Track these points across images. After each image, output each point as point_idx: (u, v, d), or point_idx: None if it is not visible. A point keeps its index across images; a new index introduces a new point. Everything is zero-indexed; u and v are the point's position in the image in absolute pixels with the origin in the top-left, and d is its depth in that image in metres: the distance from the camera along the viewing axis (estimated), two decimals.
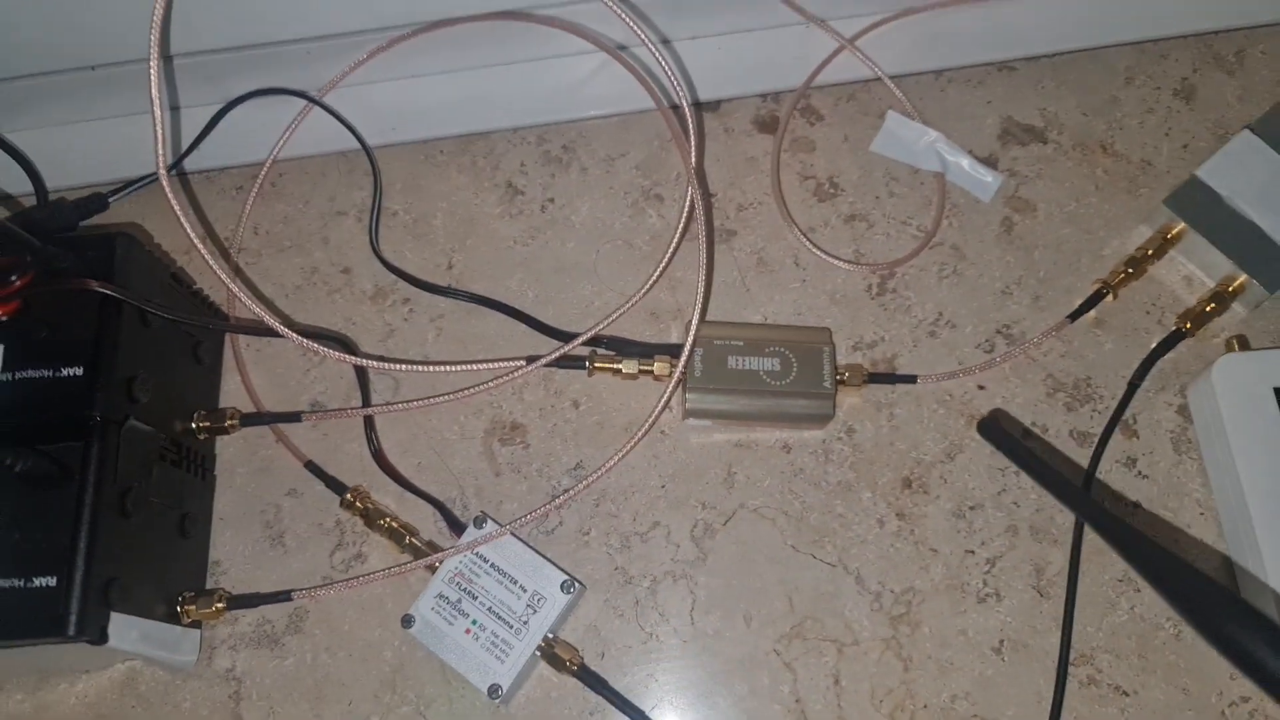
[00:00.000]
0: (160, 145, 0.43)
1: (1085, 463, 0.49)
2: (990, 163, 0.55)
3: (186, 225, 0.43)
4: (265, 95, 0.56)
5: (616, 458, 0.47)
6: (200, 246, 0.44)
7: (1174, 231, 0.52)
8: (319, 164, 0.57)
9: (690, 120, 0.48)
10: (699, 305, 0.47)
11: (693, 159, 0.49)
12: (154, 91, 0.41)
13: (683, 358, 0.47)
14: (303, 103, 0.57)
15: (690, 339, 0.47)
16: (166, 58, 0.53)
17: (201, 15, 0.49)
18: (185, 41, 0.51)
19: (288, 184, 0.57)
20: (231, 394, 0.52)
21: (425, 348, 0.53)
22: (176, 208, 0.43)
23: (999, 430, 0.46)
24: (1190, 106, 0.56)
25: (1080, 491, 0.42)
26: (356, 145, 0.56)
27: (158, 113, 0.42)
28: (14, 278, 0.42)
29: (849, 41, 0.57)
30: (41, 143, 0.56)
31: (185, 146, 0.56)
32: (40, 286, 0.43)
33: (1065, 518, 0.48)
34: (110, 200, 0.55)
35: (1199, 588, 0.36)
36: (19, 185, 0.56)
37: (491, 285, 0.54)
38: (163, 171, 0.43)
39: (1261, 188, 0.51)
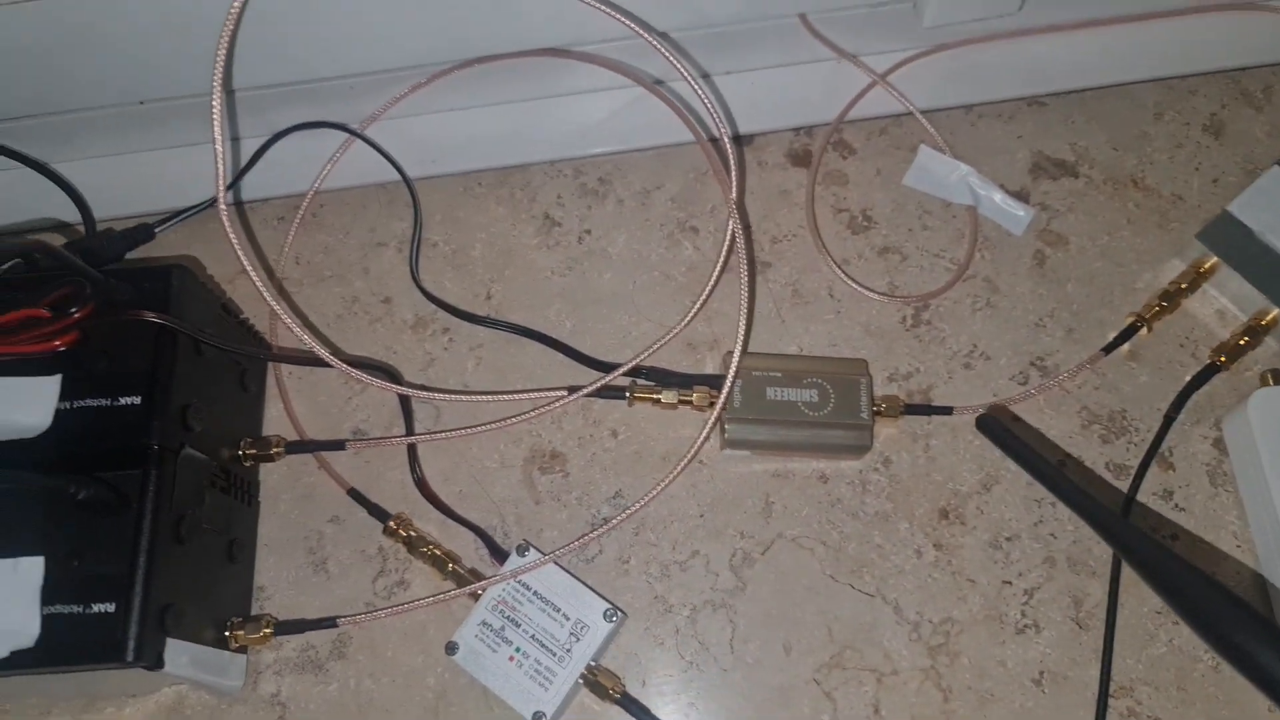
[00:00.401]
0: (221, 182, 0.44)
1: (1122, 495, 0.49)
2: (1021, 196, 0.56)
3: (243, 258, 0.44)
4: (308, 129, 0.57)
5: (658, 488, 0.48)
6: (255, 279, 0.45)
7: (1207, 265, 0.52)
8: (359, 195, 0.58)
9: (730, 154, 0.49)
10: (741, 338, 0.48)
11: (733, 193, 0.49)
12: (216, 131, 0.42)
13: (724, 389, 0.48)
14: (344, 135, 0.58)
15: (732, 371, 0.48)
16: (206, 95, 0.54)
17: (249, 53, 0.51)
18: (233, 78, 0.53)
19: (328, 215, 0.58)
20: (274, 421, 0.53)
21: (465, 377, 0.54)
22: (234, 241, 0.44)
23: (999, 426, 0.47)
24: (1219, 142, 0.57)
25: (1082, 491, 0.43)
26: (397, 177, 0.58)
27: (219, 149, 0.43)
28: (74, 309, 0.43)
29: (881, 77, 0.58)
30: (88, 173, 0.58)
31: (229, 178, 0.57)
32: (99, 318, 0.44)
33: (1103, 549, 0.48)
34: (156, 231, 0.56)
35: (1208, 596, 0.37)
36: (68, 215, 0.57)
37: (530, 315, 0.55)
38: (223, 207, 0.44)
39: None
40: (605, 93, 0.58)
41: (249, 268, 0.45)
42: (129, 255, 0.55)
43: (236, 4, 0.43)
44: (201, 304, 0.48)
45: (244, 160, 0.57)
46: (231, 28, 0.43)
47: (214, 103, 0.42)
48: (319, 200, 0.58)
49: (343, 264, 0.56)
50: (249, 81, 0.53)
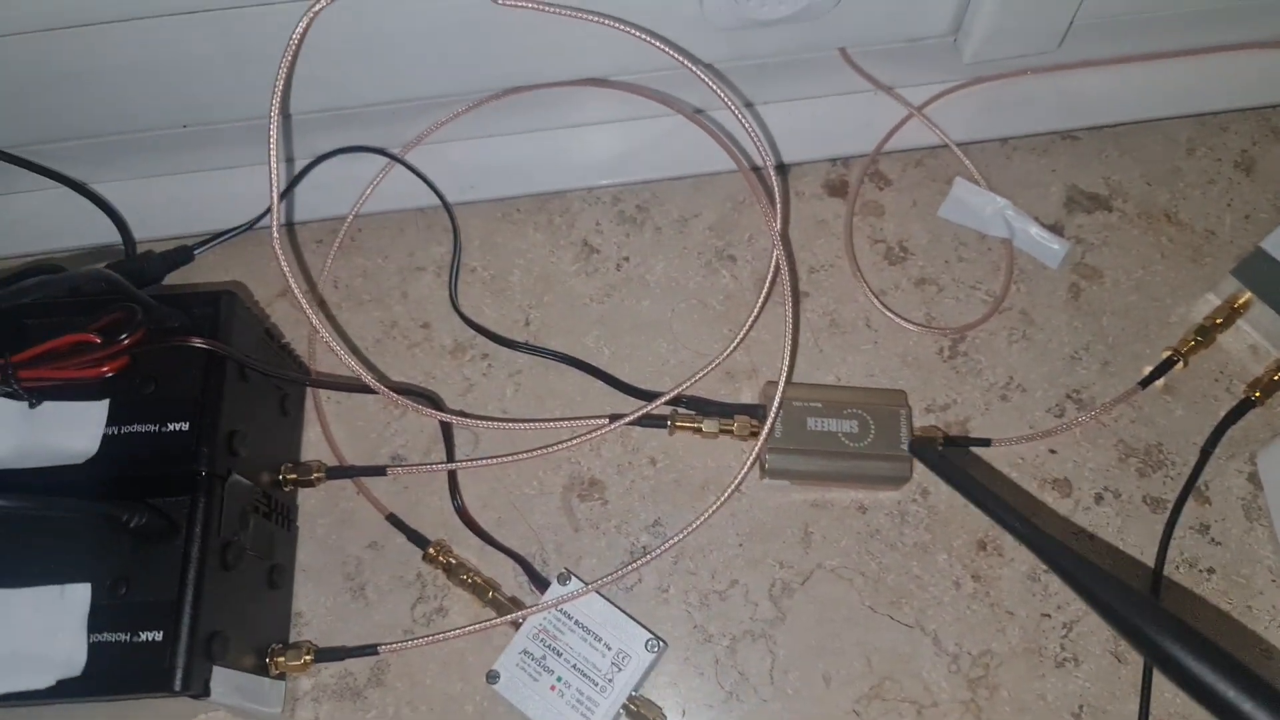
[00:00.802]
0: (276, 217, 0.44)
1: (1159, 528, 0.50)
2: (1056, 230, 0.57)
3: (294, 285, 0.44)
4: (349, 153, 0.58)
5: (700, 520, 0.48)
6: (306, 308, 0.45)
7: (1241, 301, 0.53)
8: (398, 219, 0.58)
9: (775, 184, 0.49)
10: (785, 369, 0.48)
11: (778, 224, 0.50)
12: (272, 161, 0.43)
13: (768, 421, 0.48)
14: (384, 160, 0.58)
15: (776, 403, 0.48)
16: (254, 119, 0.55)
17: (295, 79, 0.51)
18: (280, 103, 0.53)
19: (367, 238, 0.58)
20: (311, 445, 0.53)
21: (504, 402, 0.54)
22: (286, 270, 0.44)
23: (931, 450, 0.48)
24: (1251, 178, 0.58)
25: (1010, 509, 0.43)
26: (436, 202, 0.58)
27: (274, 180, 0.43)
28: (124, 335, 0.43)
29: (917, 109, 0.59)
30: (126, 194, 0.58)
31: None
32: (149, 343, 0.44)
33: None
34: (195, 253, 0.56)
35: (1120, 595, 0.37)
36: (106, 235, 0.57)
37: (568, 342, 0.55)
38: (275, 236, 0.44)
39: None
40: (644, 121, 0.59)
41: (299, 295, 0.45)
42: (167, 278, 0.55)
43: (298, 31, 0.43)
44: (248, 329, 0.48)
45: (284, 183, 0.58)
46: (290, 58, 0.43)
47: (270, 131, 0.42)
48: (358, 224, 0.58)
49: (381, 288, 0.57)
50: (294, 107, 0.54)
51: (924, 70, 0.58)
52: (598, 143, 0.59)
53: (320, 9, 0.43)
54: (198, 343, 0.44)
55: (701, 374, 0.51)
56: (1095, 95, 0.59)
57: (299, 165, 0.58)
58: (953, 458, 0.50)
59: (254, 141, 0.55)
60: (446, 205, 0.58)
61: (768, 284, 0.50)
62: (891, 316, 0.55)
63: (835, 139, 0.59)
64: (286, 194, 0.57)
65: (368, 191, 0.58)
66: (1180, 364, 0.52)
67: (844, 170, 0.59)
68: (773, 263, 0.50)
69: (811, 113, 0.59)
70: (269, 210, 0.57)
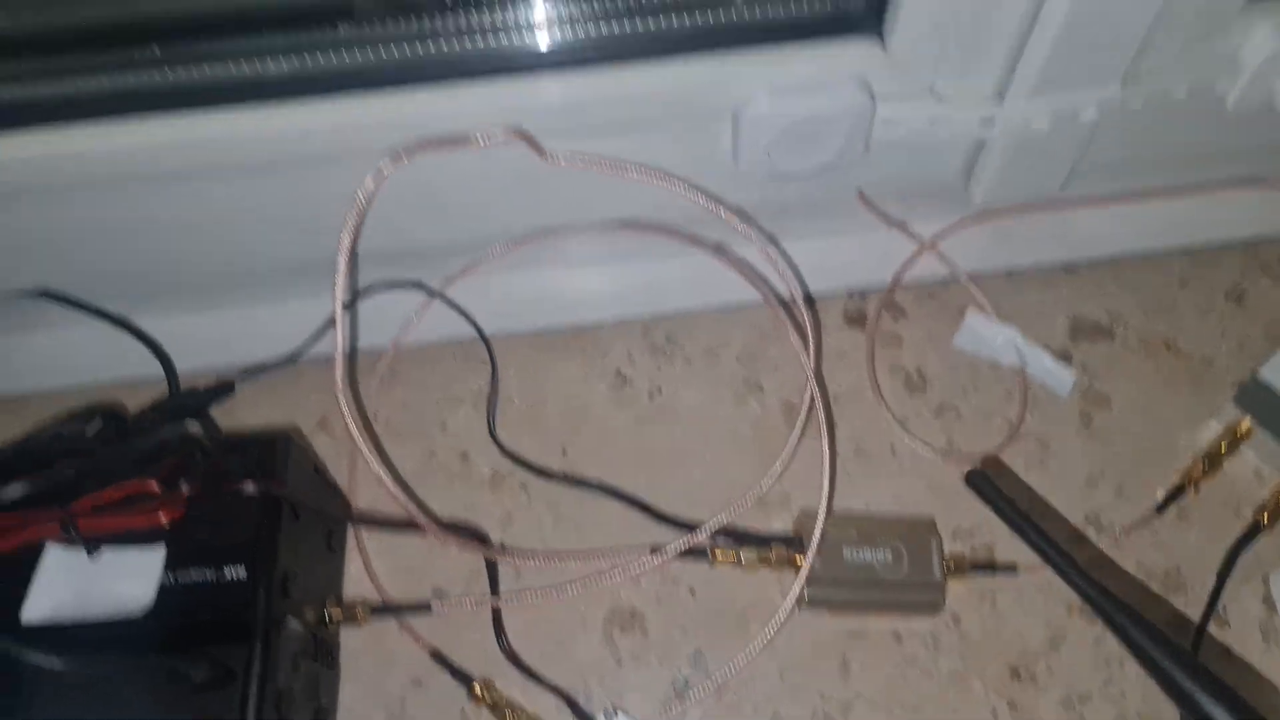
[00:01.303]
0: (340, 372, 0.45)
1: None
2: (1064, 358, 0.60)
3: (350, 423, 0.46)
4: (390, 289, 0.59)
5: (746, 660, 0.49)
6: (361, 445, 0.46)
7: (1243, 428, 0.56)
8: (436, 351, 0.60)
9: (805, 319, 0.52)
10: (824, 507, 0.50)
11: (811, 359, 0.52)
12: (338, 318, 0.44)
13: (809, 555, 0.50)
14: (423, 294, 0.60)
15: (817, 538, 0.50)
16: (303, 263, 0.57)
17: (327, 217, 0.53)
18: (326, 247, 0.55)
19: (406, 370, 0.59)
20: (353, 578, 0.54)
21: (543, 533, 0.55)
22: (345, 409, 0.45)
23: (989, 484, 0.49)
24: (1242, 309, 0.61)
25: (1069, 558, 0.45)
26: (474, 334, 0.60)
27: (340, 339, 0.45)
28: (184, 484, 0.44)
29: (928, 244, 0.62)
30: (168, 328, 0.59)
31: (309, 334, 0.59)
32: (208, 490, 0.45)
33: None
34: (235, 387, 0.57)
35: (1179, 661, 0.39)
36: (147, 368, 0.58)
37: (604, 471, 0.56)
38: (340, 388, 0.45)
39: None
40: (673, 255, 0.61)
41: (354, 432, 0.46)
42: (217, 413, 0.56)
43: (363, 194, 0.45)
44: (301, 469, 0.49)
45: (323, 316, 0.59)
46: (355, 221, 0.45)
47: (336, 290, 0.44)
48: (397, 356, 0.60)
49: (421, 420, 0.58)
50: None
51: (935, 207, 0.62)
52: (629, 276, 0.61)
53: (389, 174, 0.45)
54: (255, 490, 0.45)
55: (739, 507, 0.52)
56: (1094, 231, 0.63)
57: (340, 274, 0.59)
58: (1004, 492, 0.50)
59: (297, 278, 0.57)
60: (484, 338, 0.60)
61: (803, 417, 0.52)
62: (916, 444, 0.57)
63: (852, 272, 0.62)
64: (323, 332, 0.59)
65: (407, 326, 0.59)
66: (1191, 490, 0.55)
67: (862, 302, 0.62)
68: (806, 396, 0.52)
69: (829, 248, 0.62)
70: (308, 344, 0.59)
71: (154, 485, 0.44)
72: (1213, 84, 0.51)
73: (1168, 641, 0.41)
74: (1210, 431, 0.57)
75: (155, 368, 0.57)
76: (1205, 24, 0.48)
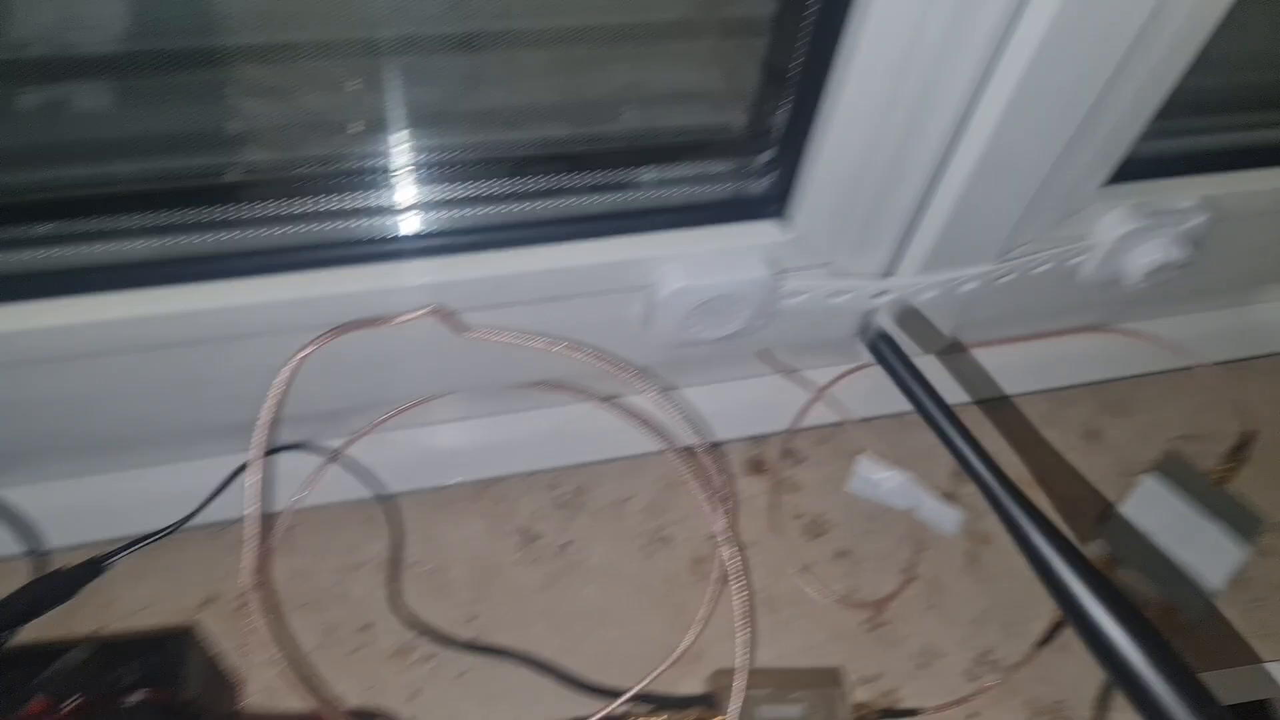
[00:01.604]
0: (251, 550, 0.43)
1: None
2: (950, 498, 0.63)
3: (254, 612, 0.43)
4: (285, 451, 0.57)
5: None
6: (262, 633, 0.44)
7: (1109, 559, 0.60)
8: (334, 514, 0.58)
9: (713, 472, 0.53)
10: (743, 667, 0.51)
11: (724, 520, 0.53)
12: (250, 506, 0.42)
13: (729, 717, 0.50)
14: (321, 456, 0.58)
15: (739, 703, 0.50)
16: (192, 430, 0.54)
17: (236, 389, 0.51)
18: (222, 415, 0.52)
19: (301, 536, 0.57)
20: None
21: (453, 707, 0.53)
22: (249, 601, 0.43)
23: (893, 350, 0.51)
24: (1098, 446, 0.67)
25: (963, 430, 0.48)
26: (373, 494, 0.58)
27: (251, 528, 0.43)
28: (64, 704, 0.40)
29: (822, 391, 0.65)
30: (31, 499, 0.54)
31: (200, 501, 0.55)
32: (99, 705, 0.41)
33: None
34: (104, 566, 0.53)
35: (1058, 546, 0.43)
36: (6, 547, 0.53)
37: (515, 635, 0.55)
38: (247, 566, 0.43)
39: (1171, 524, 0.61)
40: (578, 407, 0.62)
41: (255, 619, 0.43)
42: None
43: (282, 377, 0.43)
44: (198, 668, 0.45)
45: (216, 483, 0.56)
46: (274, 401, 0.43)
47: (250, 478, 0.42)
48: (295, 521, 0.57)
49: (319, 590, 0.55)
50: (243, 417, 0.53)
51: (828, 356, 0.65)
52: (533, 429, 0.61)
53: (306, 354, 0.44)
54: (145, 697, 0.41)
55: (657, 672, 0.52)
56: (970, 376, 0.68)
57: (231, 463, 0.56)
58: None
59: (187, 443, 0.54)
60: (384, 498, 0.58)
61: (717, 577, 0.53)
62: (818, 593, 0.59)
63: (752, 420, 0.64)
64: (217, 494, 0.56)
65: (303, 490, 0.57)
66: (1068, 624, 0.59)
67: (761, 448, 0.64)
68: (722, 558, 0.53)
69: (729, 396, 0.64)
70: (195, 511, 0.56)
71: (37, 706, 0.40)
72: (1072, 257, 0.57)
73: (1053, 530, 0.44)
74: None
75: (15, 545, 0.52)
76: (1066, 207, 0.54)
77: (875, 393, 0.66)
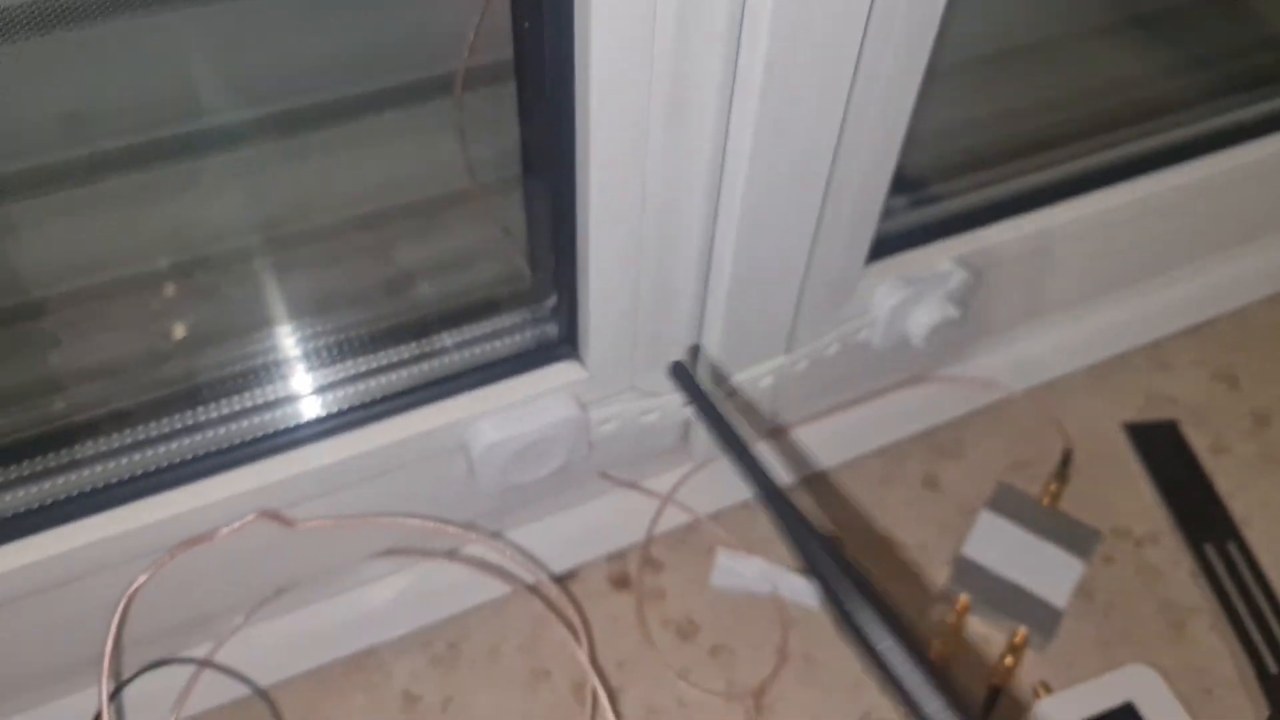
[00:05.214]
0: None
1: None
2: (806, 573, 0.67)
3: None
4: (154, 669, 0.58)
5: None
6: None
7: (963, 602, 0.64)
8: (217, 715, 0.58)
9: (569, 605, 0.56)
10: None
11: (584, 647, 0.56)
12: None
13: None
14: (192, 665, 0.58)
15: None
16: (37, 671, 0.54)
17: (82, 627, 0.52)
18: (75, 653, 0.53)
19: None
20: None
21: None
22: None
23: (687, 375, 0.52)
24: (937, 493, 0.72)
25: (751, 458, 0.48)
26: (250, 691, 0.59)
27: None
28: None
29: (668, 496, 0.68)
30: None
31: None
32: None
33: None
34: None
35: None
36: None
37: None
38: None
39: (1011, 553, 0.65)
40: (436, 567, 0.64)
41: None
42: None
43: (119, 610, 0.45)
44: None
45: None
46: (113, 633, 0.45)
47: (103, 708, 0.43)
48: None
49: None
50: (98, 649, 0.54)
51: (667, 463, 0.69)
52: (395, 593, 0.63)
53: (140, 585, 0.45)
54: None
55: None
56: (801, 449, 0.72)
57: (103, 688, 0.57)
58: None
59: (40, 684, 0.55)
60: (262, 693, 0.59)
61: (590, 707, 0.55)
62: (698, 693, 0.61)
63: (607, 538, 0.67)
64: None
65: (180, 701, 0.58)
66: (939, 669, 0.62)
67: (622, 563, 0.67)
68: (590, 690, 0.55)
69: (580, 520, 0.67)
70: None
71: None
72: (857, 334, 0.62)
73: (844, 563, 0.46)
74: (939, 612, 0.66)
75: None
76: (837, 293, 0.59)
77: (719, 487, 0.70)
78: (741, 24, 0.40)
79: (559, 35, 0.40)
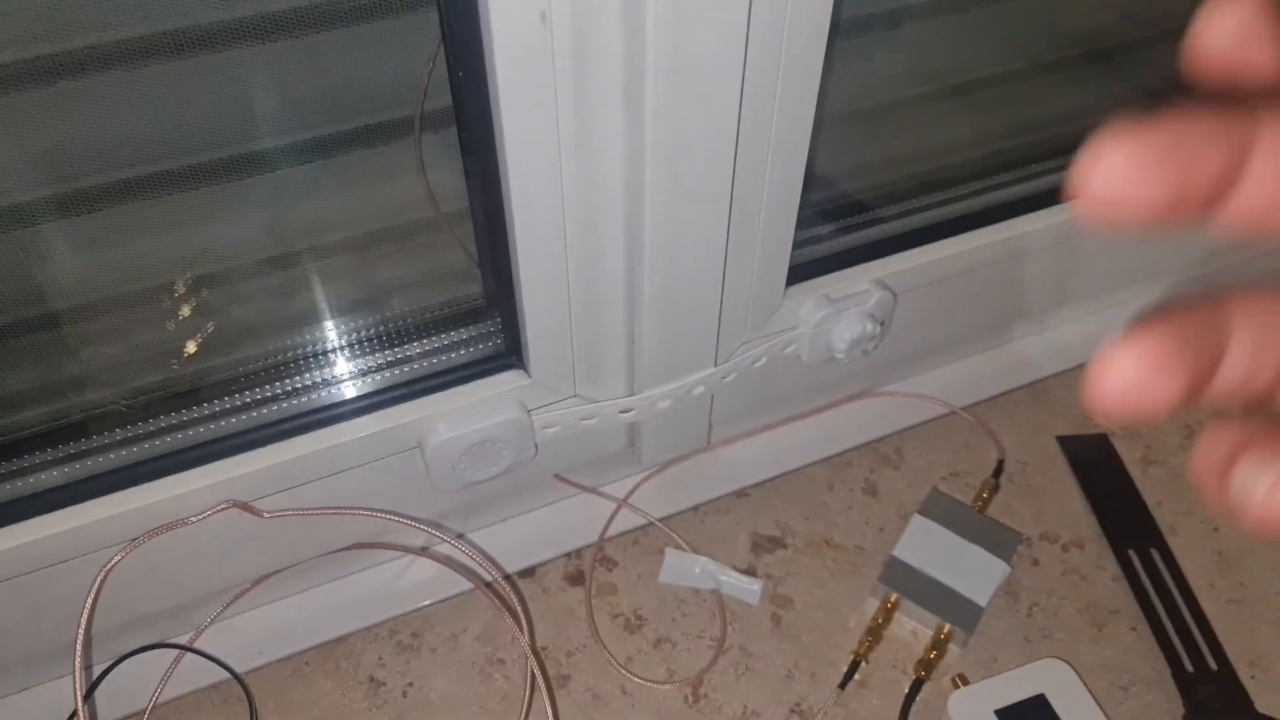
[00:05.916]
0: None
1: None
2: (750, 572, 0.72)
3: None
4: (136, 655, 0.64)
5: None
6: None
7: (892, 600, 0.69)
8: (193, 700, 0.64)
9: (513, 599, 0.61)
10: None
11: (525, 636, 0.61)
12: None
13: None
14: (172, 652, 0.64)
15: None
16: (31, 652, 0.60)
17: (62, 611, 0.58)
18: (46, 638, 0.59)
19: None
20: None
21: None
22: None
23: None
24: (877, 499, 0.76)
25: None
26: (227, 676, 0.64)
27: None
28: None
29: (623, 500, 0.74)
30: None
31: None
32: None
33: None
34: None
35: None
36: None
37: None
38: None
39: (939, 555, 0.70)
40: (403, 562, 0.69)
41: None
42: None
43: (92, 593, 0.51)
44: None
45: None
46: (87, 615, 0.51)
47: (76, 685, 0.49)
48: (155, 715, 0.63)
49: None
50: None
51: (621, 469, 0.74)
52: (365, 587, 0.69)
53: (113, 565, 0.51)
54: None
55: None
56: (751, 460, 0.77)
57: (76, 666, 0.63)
58: None
59: (26, 669, 0.61)
60: (237, 677, 0.64)
61: (527, 696, 0.60)
62: (639, 681, 0.66)
63: (565, 538, 0.72)
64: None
65: (159, 687, 0.63)
66: (863, 662, 0.67)
67: (579, 561, 0.72)
68: (528, 675, 0.60)
69: (540, 522, 0.72)
70: None
71: None
72: (784, 348, 0.67)
73: None
74: (870, 608, 0.70)
75: None
76: (763, 308, 0.64)
77: (671, 492, 0.75)
78: (633, 77, 0.46)
79: (481, 84, 0.46)
